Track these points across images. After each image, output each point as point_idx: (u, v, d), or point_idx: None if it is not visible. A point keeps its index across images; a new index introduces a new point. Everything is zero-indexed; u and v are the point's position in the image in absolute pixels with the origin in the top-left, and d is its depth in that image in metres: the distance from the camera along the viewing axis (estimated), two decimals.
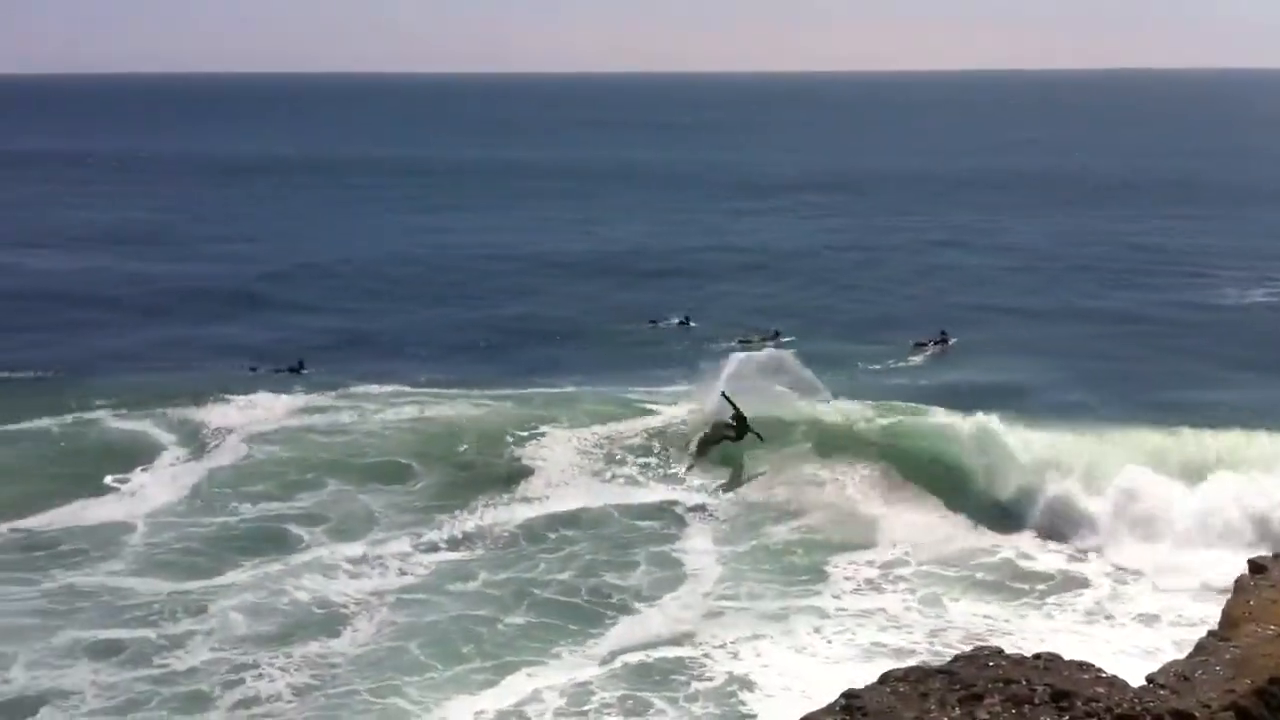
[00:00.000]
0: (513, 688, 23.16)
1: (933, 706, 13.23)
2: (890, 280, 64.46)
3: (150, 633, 25.17)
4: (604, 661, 24.13)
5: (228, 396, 39.39)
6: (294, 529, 30.71)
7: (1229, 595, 16.46)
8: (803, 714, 14.10)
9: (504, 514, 31.87)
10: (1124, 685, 13.53)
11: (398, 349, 49.08)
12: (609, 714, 22.32)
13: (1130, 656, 23.34)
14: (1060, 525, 30.63)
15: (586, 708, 22.48)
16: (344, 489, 33.09)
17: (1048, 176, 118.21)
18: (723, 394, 35.67)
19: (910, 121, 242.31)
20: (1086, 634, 25.42)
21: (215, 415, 37.98)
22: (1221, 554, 27.54)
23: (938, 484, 32.86)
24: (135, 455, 35.37)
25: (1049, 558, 29.57)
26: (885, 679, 14.03)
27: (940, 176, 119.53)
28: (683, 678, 23.53)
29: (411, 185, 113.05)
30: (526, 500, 32.82)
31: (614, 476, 34.55)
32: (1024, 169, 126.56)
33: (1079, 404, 39.61)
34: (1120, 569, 28.77)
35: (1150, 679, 13.79)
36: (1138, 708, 12.99)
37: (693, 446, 34.96)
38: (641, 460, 35.34)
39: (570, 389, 41.24)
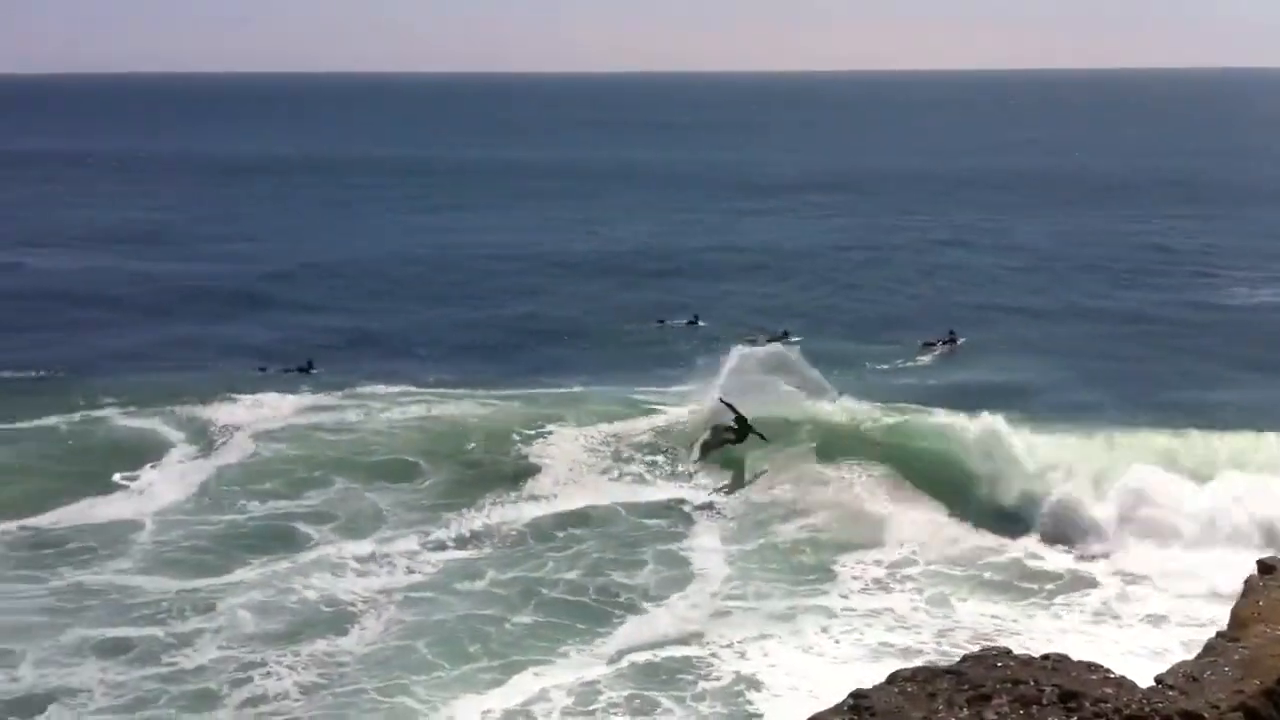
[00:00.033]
0: (520, 687, 23.16)
1: (940, 707, 13.19)
2: (896, 280, 64.44)
3: (158, 631, 25.19)
4: (611, 661, 24.11)
5: (236, 396, 39.50)
6: (302, 527, 30.75)
7: (1237, 596, 16.42)
8: (810, 714, 14.07)
9: (511, 512, 31.88)
10: (1132, 686, 13.49)
11: (404, 349, 49.13)
12: (616, 713, 22.31)
13: (1138, 657, 23.31)
14: (1066, 530, 30.36)
15: (593, 707, 22.47)
16: (351, 487, 33.12)
17: (1050, 176, 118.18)
18: (721, 400, 35.47)
19: (911, 121, 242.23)
20: (1094, 634, 25.37)
21: (223, 414, 38.09)
22: (1230, 556, 27.41)
23: (944, 485, 32.72)
24: (143, 453, 35.43)
25: (1057, 558, 29.50)
26: (893, 679, 13.98)
27: (942, 176, 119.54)
28: (690, 677, 23.51)
29: (416, 185, 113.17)
30: (534, 498, 32.83)
31: (621, 475, 34.57)
32: (1026, 168, 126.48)
33: (1087, 404, 39.54)
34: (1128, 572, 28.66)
35: (1159, 680, 13.74)
36: (1146, 708, 12.95)
37: (695, 453, 34.79)
38: (649, 458, 35.33)
39: (577, 389, 41.28)
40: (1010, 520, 31.19)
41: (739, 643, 24.86)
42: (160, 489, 33.04)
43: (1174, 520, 29.93)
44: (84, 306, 57.44)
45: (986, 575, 28.46)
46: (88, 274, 65.75)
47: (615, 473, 34.64)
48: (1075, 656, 14.26)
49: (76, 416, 38.24)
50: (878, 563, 29.03)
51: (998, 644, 18.84)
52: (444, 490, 33.32)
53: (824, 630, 25.58)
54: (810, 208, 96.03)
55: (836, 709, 13.58)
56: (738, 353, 38.60)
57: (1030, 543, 30.15)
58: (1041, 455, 32.70)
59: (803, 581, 28.01)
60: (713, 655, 24.41)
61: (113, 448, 35.84)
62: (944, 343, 48.60)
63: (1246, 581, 16.65)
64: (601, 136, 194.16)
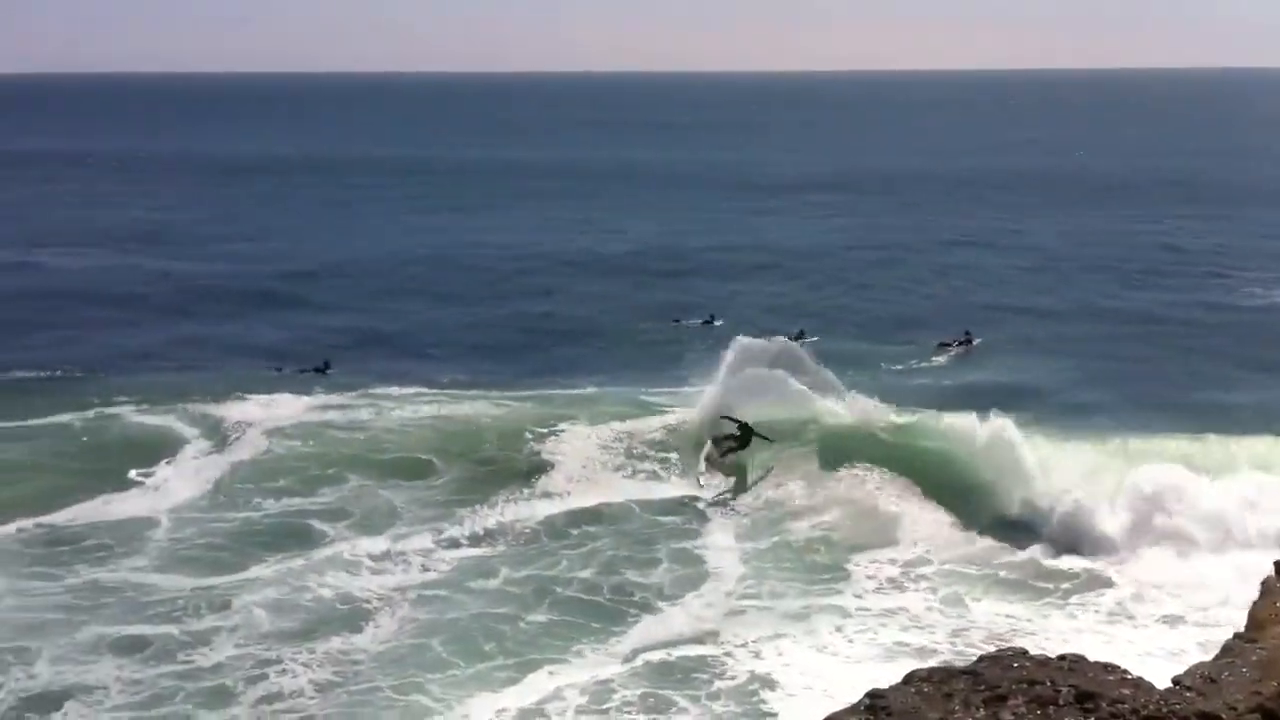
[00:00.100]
0: (535, 685, 23.16)
1: (957, 707, 13.16)
2: (908, 279, 64.39)
3: (174, 628, 25.24)
4: (626, 660, 24.10)
5: (251, 395, 39.53)
6: (316, 524, 30.79)
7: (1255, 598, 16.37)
8: (825, 713, 14.05)
9: (525, 510, 31.88)
10: (1149, 687, 13.44)
11: (416, 349, 49.20)
12: (630, 712, 22.32)
13: (1155, 658, 23.23)
14: (1076, 541, 29.80)
15: (607, 706, 22.47)
16: (365, 484, 33.14)
17: (1053, 175, 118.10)
18: (722, 417, 35.17)
19: (911, 121, 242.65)
20: (1110, 635, 25.30)
21: (238, 412, 38.10)
22: (1245, 561, 27.23)
23: (955, 488, 32.38)
24: (158, 449, 35.47)
25: (1071, 557, 29.32)
26: (909, 679, 13.95)
27: (945, 175, 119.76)
28: (705, 676, 23.50)
29: (420, 185, 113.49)
30: (547, 496, 32.82)
31: (635, 472, 34.54)
32: (1028, 168, 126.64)
33: (1102, 407, 39.47)
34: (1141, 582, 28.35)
35: (1176, 681, 13.69)
36: (1164, 709, 12.91)
37: (701, 464, 34.29)
38: (662, 455, 35.29)
39: (591, 389, 41.29)
40: (1020, 529, 30.82)
41: (753, 642, 24.83)
42: (175, 486, 33.08)
43: (1188, 528, 29.48)
44: (94, 305, 57.61)
45: (1001, 575, 28.37)
46: (96, 273, 66.01)
47: (629, 470, 34.63)
48: (1091, 657, 14.22)
49: (90, 414, 38.28)
50: (892, 562, 28.98)
51: (1013, 644, 18.82)
52: (458, 487, 33.33)
53: (838, 630, 25.55)
54: (817, 207, 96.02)
55: (853, 709, 13.55)
56: (738, 344, 38.01)
57: (1040, 550, 29.83)
58: (1053, 462, 32.29)
59: (817, 581, 27.98)
60: (727, 654, 24.38)
61: (127, 445, 35.88)
62: (959, 343, 48.49)
63: (1264, 583, 16.59)
64: (605, 136, 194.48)
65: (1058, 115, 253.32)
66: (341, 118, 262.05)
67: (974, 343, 48.67)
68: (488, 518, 31.24)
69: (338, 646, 24.58)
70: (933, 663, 21.29)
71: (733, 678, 23.45)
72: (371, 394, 40.43)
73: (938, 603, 26.89)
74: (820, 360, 38.37)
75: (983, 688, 13.34)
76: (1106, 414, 38.63)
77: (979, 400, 36.64)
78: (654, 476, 34.28)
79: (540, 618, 25.97)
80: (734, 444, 34.49)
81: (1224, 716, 12.83)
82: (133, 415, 38.16)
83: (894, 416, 35.72)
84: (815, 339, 46.89)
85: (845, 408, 36.28)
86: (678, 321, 52.88)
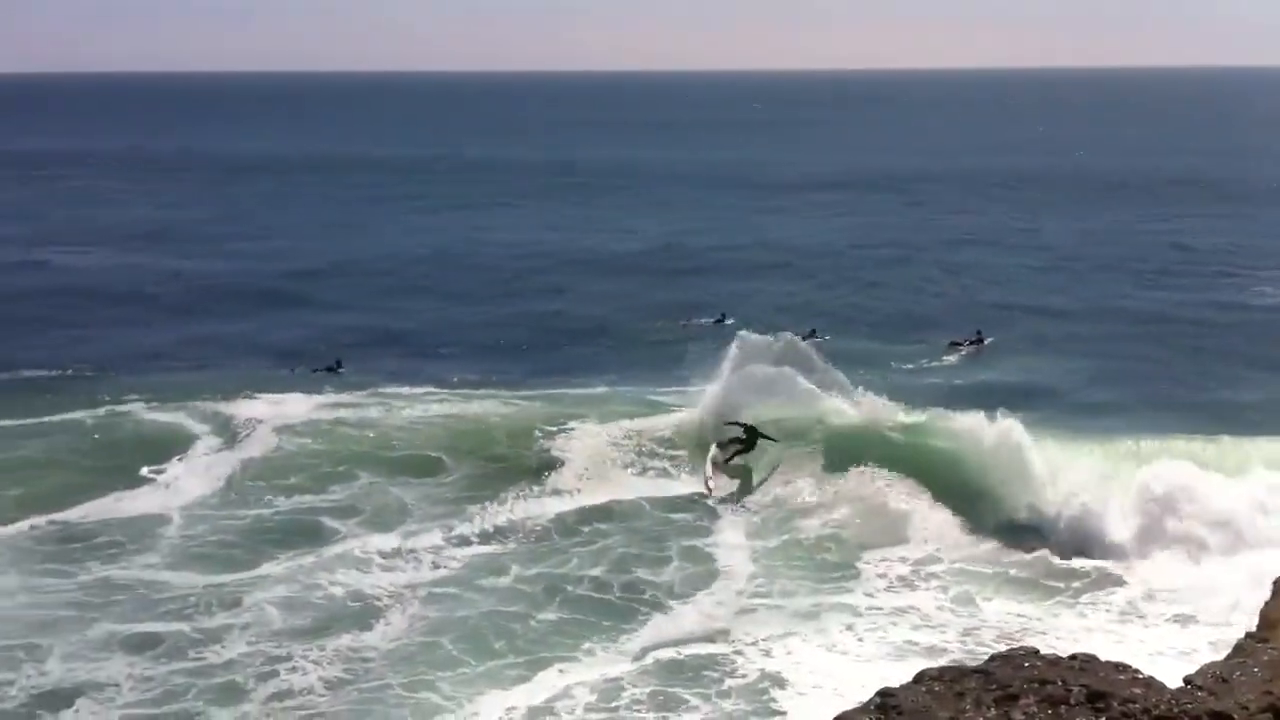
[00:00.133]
0: (544, 683, 23.17)
1: (968, 706, 13.15)
2: (918, 278, 64.27)
3: (185, 626, 25.29)
4: (636, 658, 24.10)
5: (262, 393, 39.59)
6: (327, 521, 30.84)
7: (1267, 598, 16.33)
8: (836, 712, 14.05)
9: (535, 507, 31.88)
10: (1161, 686, 13.43)
11: (425, 348, 49.21)
12: (640, 710, 22.32)
13: (1166, 657, 23.19)
14: (1086, 545, 29.55)
15: (617, 704, 22.48)
16: (375, 481, 33.20)
17: (1056, 174, 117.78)
18: (726, 423, 35.00)
19: (911, 120, 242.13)
20: (1121, 634, 25.26)
21: (247, 409, 38.15)
22: (1257, 561, 27.14)
23: (965, 487, 32.09)
24: (169, 446, 35.52)
25: (1081, 557, 29.26)
26: (920, 678, 13.95)
27: (948, 174, 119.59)
28: (715, 674, 23.49)
29: (425, 184, 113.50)
30: (558, 493, 32.82)
31: (646, 469, 34.54)
32: (1030, 167, 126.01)
33: (1114, 407, 39.39)
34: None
35: (1188, 680, 13.68)
36: (1175, 709, 12.89)
37: (709, 469, 33.90)
38: (672, 453, 35.25)
39: (602, 389, 41.24)
40: (1029, 531, 30.56)
41: (764, 640, 24.81)
42: (186, 483, 33.14)
43: (1198, 531, 29.17)
44: (104, 304, 57.71)
45: (1012, 573, 28.33)
46: (103, 272, 66.16)
47: (639, 467, 34.61)
48: (1103, 656, 14.21)
49: (102, 411, 38.32)
50: (902, 560, 28.94)
51: (1024, 643, 18.81)
52: (468, 484, 33.36)
53: (849, 628, 25.52)
54: (823, 205, 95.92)
55: (863, 708, 13.55)
56: (740, 341, 37.80)
57: (1050, 551, 29.61)
58: (1062, 465, 31.94)
59: (827, 579, 27.96)
60: (737, 653, 24.38)
61: (139, 442, 35.94)
62: (971, 343, 48.39)
63: (1276, 582, 16.56)
64: (607, 135, 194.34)
65: (1058, 114, 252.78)
66: (343, 117, 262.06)
67: (985, 342, 48.56)
68: (498, 515, 31.26)
69: (348, 644, 24.63)
70: (943, 662, 21.29)
71: (743, 676, 23.43)
72: (381, 393, 40.44)
73: (948, 601, 26.86)
74: (832, 359, 38.22)
75: (994, 687, 13.33)
76: (1118, 414, 38.53)
77: (990, 400, 36.50)
78: (665, 474, 34.28)
79: (550, 616, 25.99)
80: (739, 447, 34.33)
81: (1236, 716, 12.80)
82: (144, 412, 38.20)
83: (903, 416, 35.53)
84: (827, 337, 46.86)
85: (854, 406, 36.12)
86: (688, 321, 52.70)
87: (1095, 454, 32.70)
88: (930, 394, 39.60)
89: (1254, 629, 15.34)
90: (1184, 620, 25.99)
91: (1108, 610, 26.64)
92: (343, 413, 38.10)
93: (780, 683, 23.13)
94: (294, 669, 23.67)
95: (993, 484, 31.86)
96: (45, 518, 30.68)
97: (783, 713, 22.22)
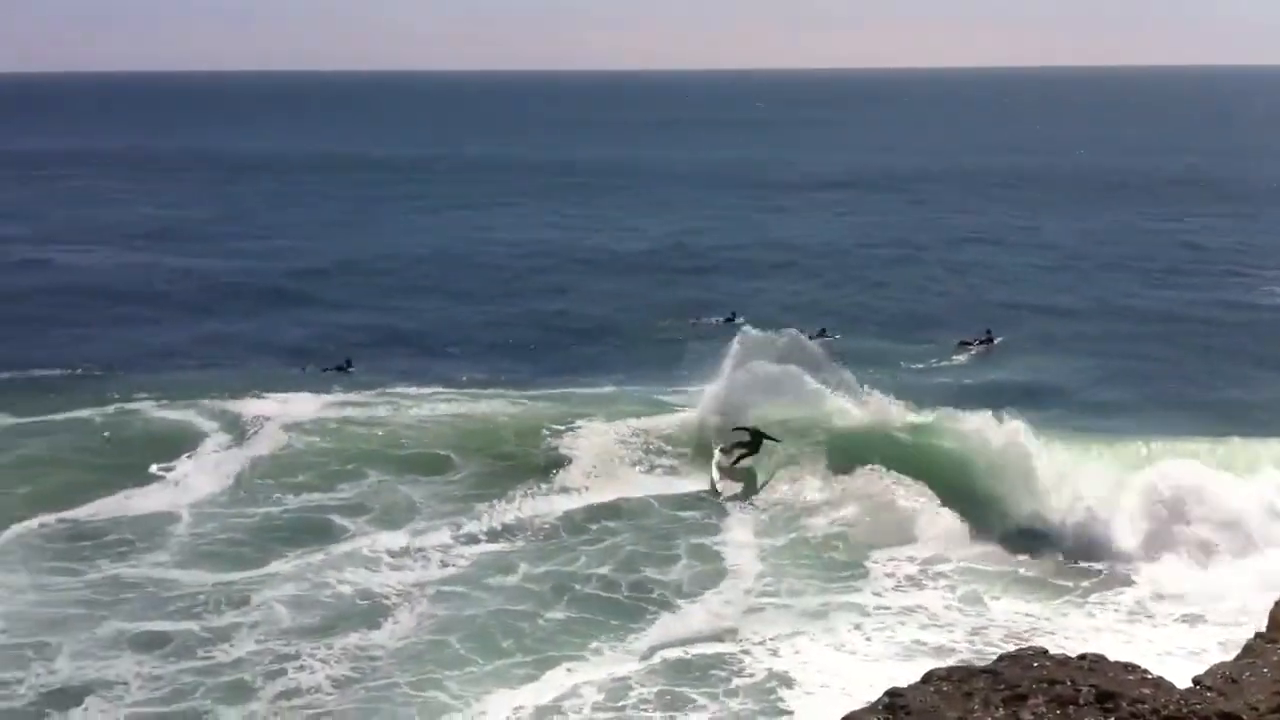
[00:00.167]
0: (552, 682, 23.18)
1: (976, 706, 13.16)
2: (924, 277, 64.22)
3: (194, 624, 25.32)
4: (644, 657, 24.10)
5: (271, 392, 39.64)
6: (336, 519, 30.87)
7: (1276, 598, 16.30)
8: (844, 712, 14.06)
9: (543, 505, 31.89)
10: (1170, 687, 13.42)
11: (433, 348, 49.23)
12: (647, 709, 22.32)
13: (1175, 657, 23.16)
14: (1093, 551, 29.29)
15: (624, 703, 22.47)
16: (384, 479, 33.24)
17: (1057, 174, 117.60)
18: (732, 428, 34.89)
19: (912, 119, 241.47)
20: (1129, 634, 25.22)
21: (256, 408, 38.21)
22: (1267, 564, 27.06)
23: (972, 488, 31.96)
24: (178, 444, 35.60)
25: (1089, 559, 29.19)
26: (929, 678, 13.96)
27: (950, 173, 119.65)
28: (722, 673, 23.49)
29: (430, 183, 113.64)
30: (565, 491, 32.82)
31: (653, 467, 34.52)
32: (1030, 167, 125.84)
33: (1123, 407, 39.33)
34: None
35: (1197, 681, 13.67)
36: (1184, 709, 12.88)
37: (714, 474, 33.81)
38: (680, 451, 35.23)
39: (610, 389, 41.24)
40: (1036, 535, 30.34)
41: (771, 639, 24.80)
42: (195, 481, 33.19)
43: (1207, 534, 29.02)
44: (111, 303, 57.79)
45: (1020, 573, 28.29)
46: (110, 271, 66.27)
47: (647, 465, 34.60)
48: (1111, 656, 14.20)
49: (111, 409, 38.41)
50: (910, 560, 28.90)
51: (1032, 643, 18.80)
52: (476, 483, 33.36)
53: (857, 628, 25.50)
54: (828, 204, 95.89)
55: (871, 708, 13.56)
56: (743, 337, 37.61)
57: (1056, 554, 29.46)
58: (1069, 468, 31.68)
59: (835, 578, 27.93)
60: (745, 652, 24.37)
61: (148, 440, 36.02)
62: (980, 342, 48.35)
63: None
64: (609, 134, 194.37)
65: (1058, 113, 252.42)
66: (343, 117, 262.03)
67: (995, 341, 48.51)
68: (506, 513, 31.27)
69: (356, 642, 24.65)
70: (952, 661, 21.30)
71: (750, 675, 23.42)
72: (390, 392, 40.48)
73: (956, 601, 26.83)
74: (841, 358, 38.23)
75: (1002, 687, 13.34)
76: (1127, 414, 38.48)
77: (999, 399, 36.44)
78: (672, 471, 34.26)
79: (558, 614, 25.99)
80: (744, 451, 34.25)
81: (1245, 717, 12.79)
82: (153, 411, 38.29)
83: (911, 415, 35.40)
84: (838, 336, 46.82)
85: (861, 405, 36.02)
86: (698, 320, 52.61)
87: (1104, 455, 32.55)
88: (939, 393, 39.54)
89: (1264, 629, 15.32)
90: (1193, 620, 25.94)
91: (1116, 610, 26.60)
92: (351, 411, 38.15)
93: (788, 682, 23.12)
94: (302, 667, 23.70)
95: (1001, 485, 31.72)
96: (54, 516, 30.73)
97: (790, 712, 22.21)
